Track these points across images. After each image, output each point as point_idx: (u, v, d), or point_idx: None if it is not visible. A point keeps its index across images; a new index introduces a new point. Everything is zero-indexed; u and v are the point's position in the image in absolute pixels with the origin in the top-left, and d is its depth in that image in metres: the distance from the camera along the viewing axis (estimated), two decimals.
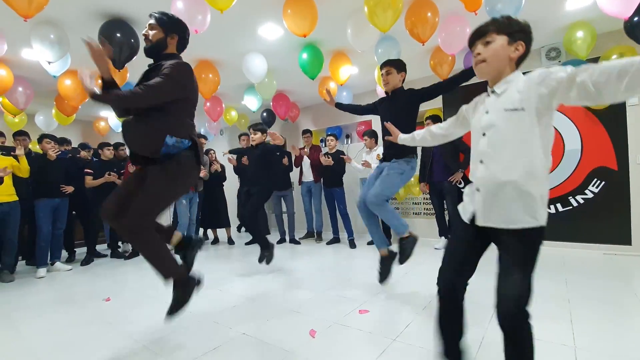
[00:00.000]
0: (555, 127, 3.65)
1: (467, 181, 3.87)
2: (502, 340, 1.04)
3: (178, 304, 1.72)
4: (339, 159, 4.35)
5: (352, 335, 1.81)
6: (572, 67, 0.99)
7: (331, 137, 4.52)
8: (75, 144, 4.94)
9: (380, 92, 4.08)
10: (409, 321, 1.94)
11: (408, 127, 2.35)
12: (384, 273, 2.49)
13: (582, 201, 3.54)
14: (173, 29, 1.78)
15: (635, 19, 2.73)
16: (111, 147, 4.31)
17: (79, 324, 2.13)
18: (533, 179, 1.04)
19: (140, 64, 3.48)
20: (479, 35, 1.16)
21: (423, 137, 1.65)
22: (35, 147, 4.15)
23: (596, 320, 1.86)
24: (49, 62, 2.83)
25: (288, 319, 2.07)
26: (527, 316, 1.00)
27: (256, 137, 3.42)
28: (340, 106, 2.93)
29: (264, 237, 3.21)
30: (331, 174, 4.43)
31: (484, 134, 1.14)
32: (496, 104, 1.13)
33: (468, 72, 2.15)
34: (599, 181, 3.46)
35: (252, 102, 4.42)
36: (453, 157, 3.85)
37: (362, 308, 2.18)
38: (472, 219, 1.17)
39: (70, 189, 3.80)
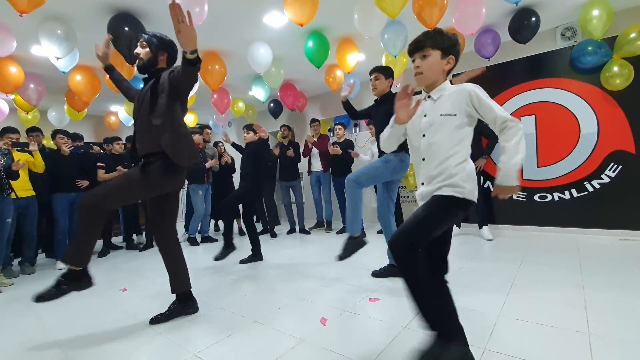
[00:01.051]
0: (570, 110, 3.55)
1: (491, 177, 3.81)
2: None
3: (55, 293, 1.77)
4: (348, 148, 4.33)
5: (363, 322, 1.83)
6: (499, 117, 1.21)
7: (339, 126, 4.49)
8: (87, 139, 5.04)
9: None
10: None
11: None
12: (347, 253, 2.33)
13: (598, 186, 3.45)
14: (162, 47, 1.97)
15: None
16: (121, 142, 4.37)
17: (98, 313, 2.21)
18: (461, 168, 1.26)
19: None
20: (417, 48, 1.33)
21: (383, 138, 1.63)
22: (49, 142, 4.24)
23: (611, 306, 1.83)
24: (57, 58, 2.86)
25: (299, 307, 2.10)
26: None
27: (248, 137, 3.47)
28: (345, 104, 2.92)
29: (230, 236, 3.20)
30: (340, 163, 4.42)
31: (423, 135, 1.33)
32: (433, 108, 1.32)
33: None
34: (615, 165, 3.36)
35: (259, 93, 4.41)
36: (476, 142, 3.75)
37: (372, 296, 2.19)
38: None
39: (85, 183, 3.88)
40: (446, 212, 1.25)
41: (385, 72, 2.54)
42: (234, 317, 2.00)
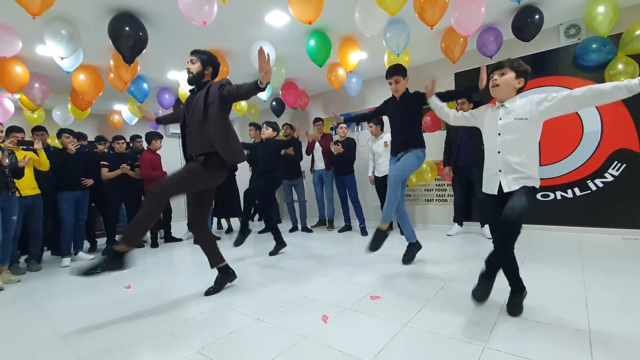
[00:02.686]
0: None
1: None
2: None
3: (104, 266, 1.99)
4: (350, 147, 4.34)
5: (364, 320, 1.84)
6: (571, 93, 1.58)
7: (343, 125, 4.48)
8: (91, 138, 5.08)
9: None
10: (420, 307, 1.95)
11: (417, 122, 2.74)
12: (377, 244, 2.55)
13: (601, 185, 3.44)
14: (209, 63, 2.32)
15: None
16: (122, 140, 4.38)
17: (103, 310, 2.24)
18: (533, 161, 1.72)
19: (149, 57, 3.52)
20: (497, 67, 1.77)
21: (449, 111, 2.17)
22: (54, 141, 4.29)
23: (612, 305, 1.83)
24: (62, 58, 2.89)
25: (300, 305, 2.12)
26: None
27: (267, 133, 3.69)
28: (349, 119, 3.19)
29: (247, 222, 3.41)
30: (342, 162, 4.42)
31: (499, 134, 1.75)
32: (507, 115, 1.74)
33: (470, 90, 2.49)
34: (619, 164, 3.34)
35: (262, 92, 4.41)
36: (478, 146, 3.75)
37: (373, 294, 2.21)
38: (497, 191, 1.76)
39: (90, 181, 3.92)
40: (533, 198, 1.67)
41: (404, 72, 2.68)
42: (236, 314, 2.03)
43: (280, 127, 5.00)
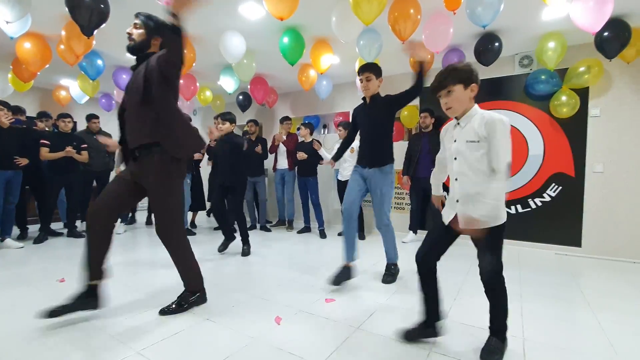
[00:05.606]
0: (521, 132, 3.84)
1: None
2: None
3: (65, 309, 1.75)
4: (314, 149, 4.34)
5: (317, 322, 1.83)
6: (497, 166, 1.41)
7: (303, 127, 4.53)
8: (31, 113, 4.58)
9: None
10: (372, 311, 1.99)
11: (388, 131, 2.52)
12: (339, 279, 2.37)
13: (540, 204, 3.77)
14: (157, 31, 1.86)
15: (605, 33, 2.89)
16: (69, 119, 3.98)
17: (30, 305, 2.00)
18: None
19: (107, 31, 3.25)
20: (440, 88, 1.47)
21: (441, 177, 1.84)
22: None
23: (545, 314, 2.00)
24: (7, 22, 2.58)
25: (254, 306, 2.06)
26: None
27: (225, 128, 3.30)
28: (338, 155, 2.93)
29: (230, 230, 3.42)
30: (305, 163, 4.41)
31: (455, 158, 1.50)
32: (460, 135, 1.48)
33: (420, 84, 2.28)
34: (556, 186, 3.69)
35: (228, 83, 4.28)
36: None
37: (328, 297, 2.21)
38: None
39: (24, 161, 3.52)
40: (501, 238, 1.49)
41: (377, 71, 2.46)
42: (184, 314, 1.91)
43: (245, 123, 4.91)
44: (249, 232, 4.61)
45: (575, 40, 3.41)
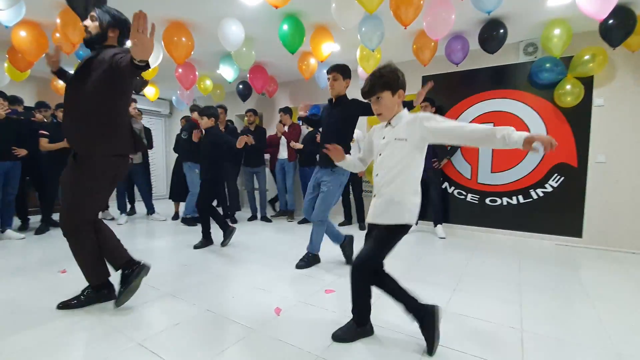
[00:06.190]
0: (524, 122, 3.79)
1: (448, 179, 3.97)
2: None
3: (78, 302, 1.88)
4: (313, 137, 4.30)
5: (317, 314, 1.84)
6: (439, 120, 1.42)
7: (282, 112, 4.62)
8: (29, 103, 4.54)
9: (362, 73, 4.02)
10: (372, 301, 1.99)
11: (347, 135, 2.52)
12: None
13: (541, 194, 3.74)
14: (114, 24, 1.83)
15: (610, 21, 2.82)
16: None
17: (31, 296, 2.02)
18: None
19: None
20: (370, 94, 1.53)
21: (353, 163, 1.83)
22: None
23: (543, 305, 2.00)
24: (0, 10, 2.53)
25: (254, 297, 2.07)
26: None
27: (203, 123, 3.19)
28: (305, 120, 2.94)
29: (208, 230, 3.31)
30: (306, 153, 4.39)
31: (380, 154, 1.55)
32: (391, 133, 1.52)
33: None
34: (558, 176, 3.66)
35: (228, 72, 4.22)
36: (442, 144, 3.89)
37: (328, 288, 2.22)
38: None
39: (23, 152, 3.51)
40: (393, 239, 1.50)
41: (344, 72, 2.49)
42: (184, 305, 1.93)
43: (244, 113, 4.86)
44: (249, 222, 4.64)
45: (579, 27, 3.33)
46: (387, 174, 1.50)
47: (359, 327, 1.58)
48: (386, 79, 1.48)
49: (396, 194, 1.47)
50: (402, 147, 1.47)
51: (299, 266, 2.63)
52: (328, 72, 2.51)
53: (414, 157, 1.47)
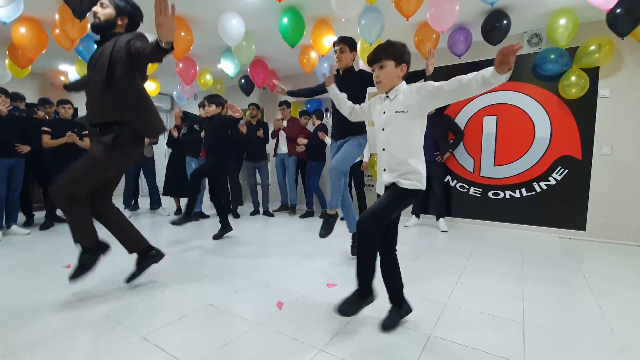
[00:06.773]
0: (528, 114, 3.75)
1: (451, 172, 3.95)
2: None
3: (83, 268, 1.91)
4: (322, 131, 4.29)
5: (319, 307, 1.85)
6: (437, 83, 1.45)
7: (284, 106, 4.67)
8: (31, 99, 4.55)
9: (363, 66, 3.97)
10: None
11: (358, 103, 2.47)
12: (327, 229, 2.51)
13: (545, 187, 3.72)
14: (125, 12, 1.86)
15: (618, 10, 2.76)
16: (69, 105, 3.95)
17: (36, 291, 2.04)
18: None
19: None
20: (374, 60, 1.57)
21: (347, 105, 1.96)
22: None
23: (546, 299, 2.00)
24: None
25: (256, 291, 2.08)
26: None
27: (210, 110, 3.30)
28: (292, 93, 2.93)
29: (192, 206, 3.22)
30: (314, 148, 4.39)
31: (383, 129, 1.59)
32: (390, 106, 1.57)
33: None
34: (562, 169, 3.63)
35: (228, 67, 4.19)
36: (445, 137, 3.92)
37: (330, 282, 2.23)
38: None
39: (26, 148, 3.52)
40: (403, 200, 1.55)
41: (351, 44, 2.43)
42: (188, 299, 1.94)
43: (247, 107, 4.84)
44: (251, 217, 4.66)
45: (585, 17, 3.26)
46: (394, 147, 1.54)
47: (362, 297, 1.57)
48: (394, 50, 1.53)
49: (411, 163, 1.50)
50: (406, 119, 1.52)
51: (322, 235, 2.49)
52: (334, 45, 2.44)
53: (416, 126, 1.53)
